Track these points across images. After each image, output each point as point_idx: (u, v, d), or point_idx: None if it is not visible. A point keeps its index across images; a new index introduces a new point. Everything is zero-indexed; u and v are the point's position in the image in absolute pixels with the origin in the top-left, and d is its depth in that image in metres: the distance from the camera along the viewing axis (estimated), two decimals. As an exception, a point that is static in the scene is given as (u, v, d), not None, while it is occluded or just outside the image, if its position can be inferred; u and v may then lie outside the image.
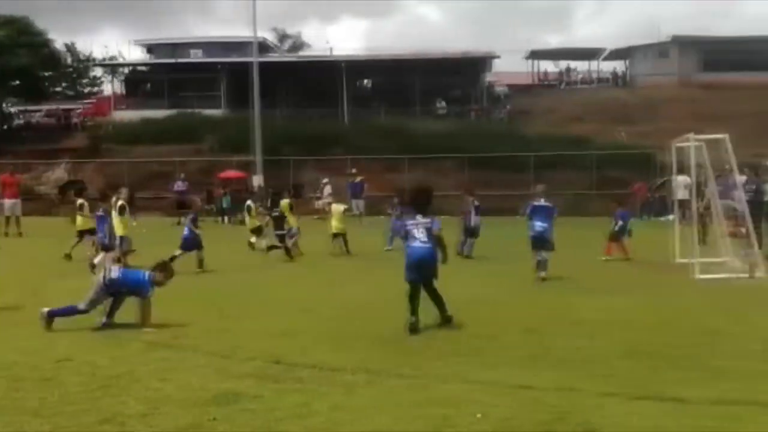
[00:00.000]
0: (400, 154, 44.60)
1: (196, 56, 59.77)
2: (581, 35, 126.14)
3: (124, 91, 61.70)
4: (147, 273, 10.91)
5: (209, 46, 61.45)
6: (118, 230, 17.76)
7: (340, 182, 39.10)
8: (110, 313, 10.84)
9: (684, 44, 60.54)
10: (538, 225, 16.44)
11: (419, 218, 11.19)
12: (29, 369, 8.41)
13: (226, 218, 38.42)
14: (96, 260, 17.08)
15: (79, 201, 21.19)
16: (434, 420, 6.59)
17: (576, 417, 6.63)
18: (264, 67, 46.27)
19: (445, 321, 10.93)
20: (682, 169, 18.94)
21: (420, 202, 11.65)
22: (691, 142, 17.19)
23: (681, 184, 21.88)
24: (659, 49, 61.70)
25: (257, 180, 41.47)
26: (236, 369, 8.39)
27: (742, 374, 8.12)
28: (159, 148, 48.31)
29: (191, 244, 18.49)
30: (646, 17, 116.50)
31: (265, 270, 18.47)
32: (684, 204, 20.68)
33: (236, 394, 7.37)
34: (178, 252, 17.92)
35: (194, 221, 19.13)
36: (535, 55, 66.31)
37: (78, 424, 6.57)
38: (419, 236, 10.96)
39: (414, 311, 10.58)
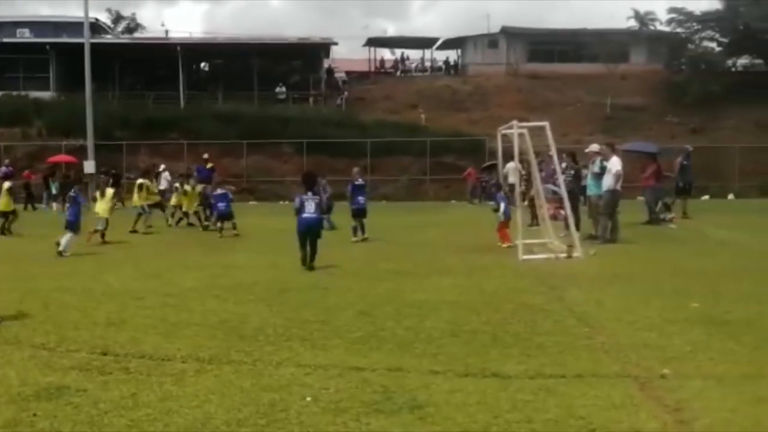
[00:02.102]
0: (239, 139, 44.16)
1: (24, 36, 57.12)
2: (417, 25, 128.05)
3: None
4: None
5: (38, 26, 59.01)
6: None
7: (176, 168, 38.28)
8: None
9: (512, 35, 62.97)
10: (360, 199, 20.95)
11: (309, 194, 15.80)
12: None
13: (54, 205, 36.99)
14: None
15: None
16: (265, 405, 6.55)
17: (403, 396, 6.76)
18: (97, 48, 44.82)
19: (310, 269, 15.20)
20: (513, 155, 19.56)
21: (309, 182, 16.30)
22: (515, 129, 17.74)
23: (512, 170, 22.67)
24: (489, 40, 63.72)
25: (89, 166, 40.06)
26: (60, 362, 8.01)
27: (557, 348, 8.48)
28: (-18, 133, 46.05)
29: None
30: (477, 11, 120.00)
31: (92, 258, 17.83)
32: (501, 188, 21.46)
33: (59, 388, 7.03)
34: None
35: None
36: (373, 42, 66.93)
37: None
38: (309, 208, 15.62)
39: (304, 256, 15.45)
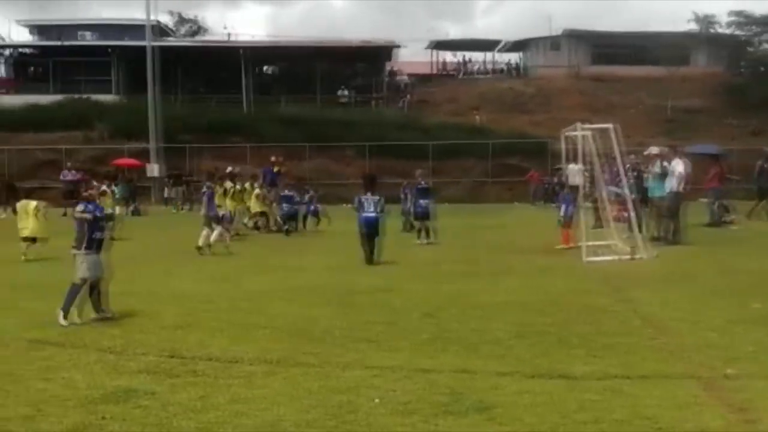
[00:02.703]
0: (302, 142, 44.33)
1: (87, 39, 57.82)
2: (480, 27, 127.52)
3: (6, 75, 59.08)
4: None
5: (102, 29, 59.54)
6: None
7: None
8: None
9: (575, 38, 62.70)
10: (422, 202, 20.96)
11: (369, 195, 17.02)
12: None
13: (117, 207, 37.38)
14: None
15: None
16: (334, 407, 6.53)
17: (471, 397, 6.76)
18: (160, 51, 45.29)
19: (372, 263, 16.29)
20: (575, 157, 19.39)
21: (370, 183, 17.49)
22: (579, 132, 17.54)
23: (574, 172, 22.45)
24: (552, 42, 63.41)
25: (153, 168, 40.50)
26: (128, 365, 8.01)
27: (623, 349, 8.50)
28: (46, 136, 46.60)
29: None
30: (540, 11, 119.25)
31: (158, 262, 17.96)
32: (573, 190, 21.22)
33: (128, 391, 7.02)
34: None
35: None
36: (436, 45, 66.82)
37: (-48, 432, 6.11)
38: (368, 207, 16.86)
39: (367, 253, 16.52)
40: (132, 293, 12.63)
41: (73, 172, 38.35)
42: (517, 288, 12.98)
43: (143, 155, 43.01)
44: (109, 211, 12.74)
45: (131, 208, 35.90)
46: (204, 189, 20.53)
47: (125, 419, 6.29)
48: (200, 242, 18.73)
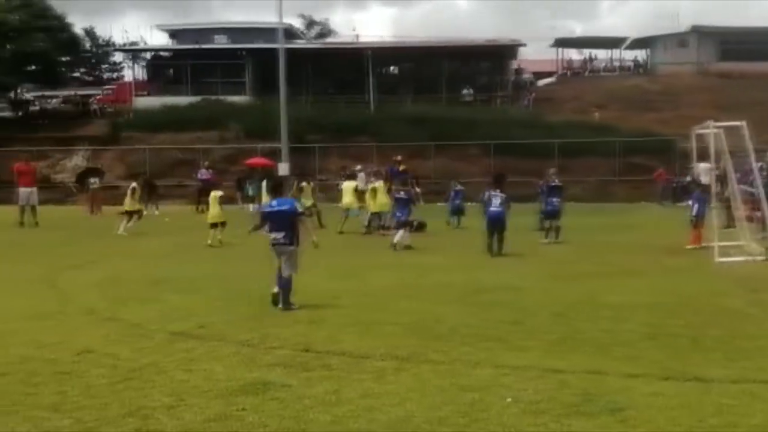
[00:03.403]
0: (426, 141, 44.47)
1: (221, 42, 59.42)
2: (605, 24, 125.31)
3: (145, 77, 60.93)
4: None
5: (234, 32, 60.95)
6: None
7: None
8: None
9: (702, 34, 60.94)
10: (554, 200, 20.88)
11: (497, 191, 18.11)
12: (46, 363, 8.19)
13: (251, 205, 38.33)
14: None
15: (133, 185, 24.91)
16: (465, 405, 6.59)
17: (603, 398, 6.73)
18: (290, 53, 46.07)
19: (497, 255, 17.37)
20: (704, 156, 18.89)
21: (499, 181, 18.76)
22: (710, 129, 17.12)
23: (703, 171, 21.90)
24: (679, 39, 61.86)
25: (284, 167, 41.30)
26: (264, 358, 8.29)
27: (760, 353, 8.34)
28: (182, 136, 48.20)
29: None
30: (666, 8, 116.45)
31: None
32: (706, 189, 20.65)
33: (265, 383, 7.27)
34: None
35: None
36: (560, 43, 66.09)
37: (100, 418, 6.41)
38: (495, 202, 17.87)
39: (490, 245, 17.64)
40: (265, 288, 13.00)
41: (209, 171, 39.57)
42: (646, 288, 12.81)
43: (273, 155, 43.88)
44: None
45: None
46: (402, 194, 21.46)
47: (263, 411, 6.51)
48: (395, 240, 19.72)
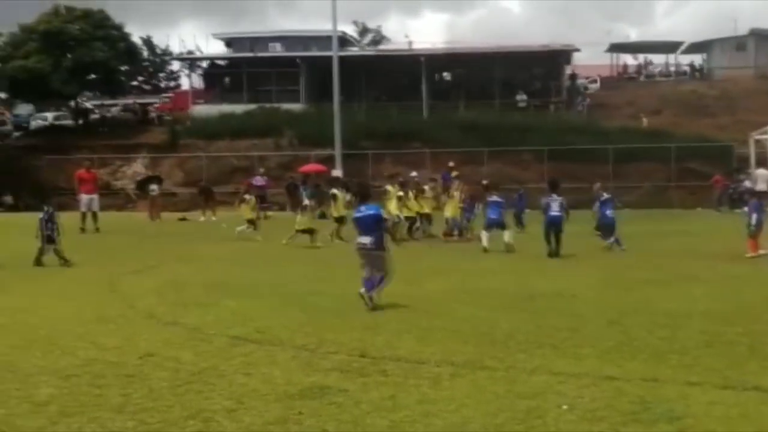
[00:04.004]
0: (479, 147, 44.42)
1: (276, 50, 59.91)
2: (660, 29, 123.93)
3: (202, 86, 61.83)
4: None
5: (289, 41, 61.52)
6: None
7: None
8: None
9: (761, 37, 60.20)
10: (608, 213, 21.14)
11: (554, 196, 19.14)
12: (112, 365, 8.38)
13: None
14: None
15: (247, 196, 25.70)
16: (521, 412, 6.61)
17: (660, 406, 6.68)
18: (344, 61, 46.38)
19: (555, 257, 18.46)
20: (763, 162, 18.64)
21: (554, 186, 19.66)
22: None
23: (762, 177, 21.62)
24: (737, 42, 60.97)
25: (337, 173, 41.57)
26: (321, 363, 8.38)
27: None
28: (238, 143, 48.91)
29: None
30: (724, 11, 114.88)
31: (344, 262, 18.45)
32: (763, 196, 20.38)
33: (322, 387, 7.37)
34: None
35: None
36: (615, 48, 65.58)
37: (163, 421, 6.56)
38: (554, 207, 18.90)
39: (551, 249, 18.69)
40: (323, 293, 13.21)
41: (264, 177, 40.02)
42: (704, 296, 12.67)
43: (328, 161, 44.20)
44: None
45: (318, 212, 37.04)
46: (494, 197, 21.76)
47: (321, 415, 6.60)
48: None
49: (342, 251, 20.57)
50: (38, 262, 17.58)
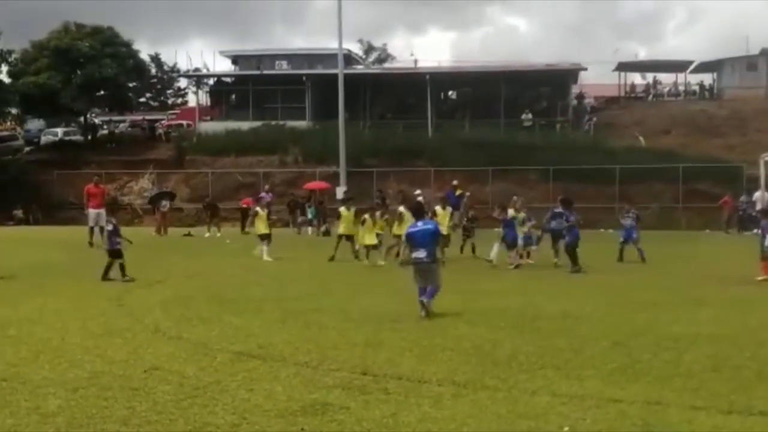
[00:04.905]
0: (484, 166, 44.43)
1: (282, 67, 60.15)
2: (670, 47, 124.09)
3: (208, 103, 62.22)
4: None
5: (295, 58, 61.89)
6: None
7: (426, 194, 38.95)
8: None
9: (773, 57, 59.44)
10: (634, 235, 22.76)
11: (560, 208, 20.18)
12: (116, 379, 8.46)
13: (310, 229, 38.71)
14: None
15: (258, 210, 24.92)
16: (522, 433, 6.56)
17: (664, 430, 6.68)
18: (349, 78, 46.54)
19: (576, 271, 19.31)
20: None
21: (566, 205, 20.69)
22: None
23: (759, 199, 21.58)
24: (748, 62, 60.69)
25: (341, 192, 41.66)
26: (323, 380, 8.40)
27: None
28: (244, 160, 49.17)
29: None
30: (734, 30, 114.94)
31: (346, 281, 18.48)
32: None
33: (324, 404, 7.38)
34: None
35: None
36: (623, 67, 65.47)
37: (167, 434, 6.60)
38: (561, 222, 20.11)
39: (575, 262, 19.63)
40: (325, 310, 13.22)
41: (269, 194, 40.03)
42: (710, 319, 12.58)
43: (332, 178, 44.29)
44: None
45: (322, 229, 37.18)
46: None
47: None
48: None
49: (343, 268, 20.65)
50: (106, 276, 17.66)
